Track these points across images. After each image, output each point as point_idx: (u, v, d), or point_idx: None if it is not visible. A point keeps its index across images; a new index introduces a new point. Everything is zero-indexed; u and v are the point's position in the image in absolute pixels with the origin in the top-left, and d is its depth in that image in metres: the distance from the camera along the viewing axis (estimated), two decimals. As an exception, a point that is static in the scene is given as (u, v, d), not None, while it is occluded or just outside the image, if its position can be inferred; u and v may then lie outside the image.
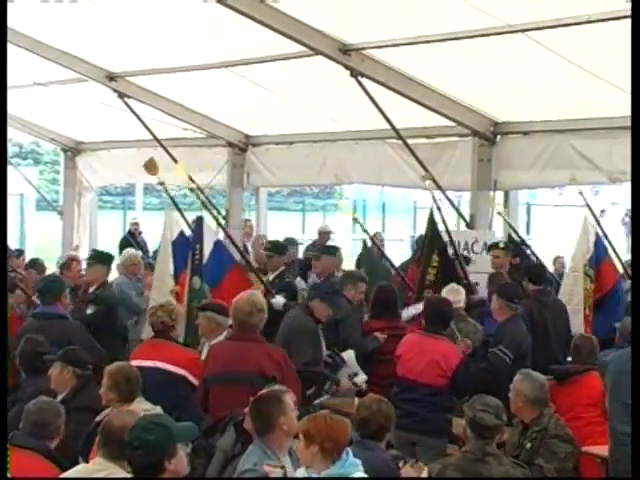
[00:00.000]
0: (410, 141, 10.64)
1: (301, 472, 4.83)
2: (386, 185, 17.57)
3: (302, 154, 12.73)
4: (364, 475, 4.73)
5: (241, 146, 13.45)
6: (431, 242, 9.81)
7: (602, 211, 27.25)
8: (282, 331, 8.03)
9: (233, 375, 6.44)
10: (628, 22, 6.70)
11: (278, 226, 19.43)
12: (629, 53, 5.72)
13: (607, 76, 8.60)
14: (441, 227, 9.83)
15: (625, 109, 8.56)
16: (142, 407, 5.63)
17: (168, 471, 4.16)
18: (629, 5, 6.57)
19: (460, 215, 11.41)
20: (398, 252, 18.45)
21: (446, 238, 9.81)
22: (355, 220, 11.66)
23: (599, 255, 9.63)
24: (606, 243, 9.83)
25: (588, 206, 9.84)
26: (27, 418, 5.42)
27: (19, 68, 11.19)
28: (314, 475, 4.67)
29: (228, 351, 6.75)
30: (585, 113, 9.64)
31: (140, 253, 11.77)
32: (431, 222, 9.86)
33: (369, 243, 11.88)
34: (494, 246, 10.07)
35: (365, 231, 11.59)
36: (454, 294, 8.46)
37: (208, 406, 6.71)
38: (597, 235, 9.70)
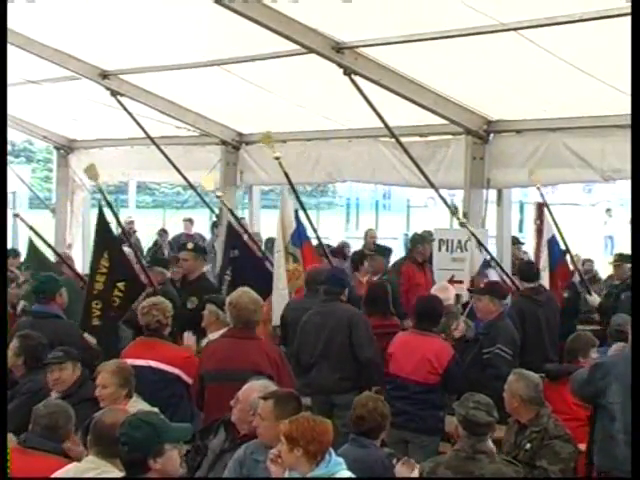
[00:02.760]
0: (403, 139, 10.64)
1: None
2: (379, 183, 17.60)
3: (295, 152, 12.71)
4: (349, 473, 4.72)
5: (234, 144, 13.43)
6: (99, 246, 9.09)
7: (608, 210, 27.11)
8: (343, 322, 7.96)
9: (229, 373, 6.44)
10: (622, 20, 6.73)
11: (271, 224, 19.40)
12: (623, 51, 5.72)
13: (600, 74, 8.60)
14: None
15: (618, 107, 8.62)
16: (139, 407, 5.62)
17: (154, 470, 4.14)
18: (623, 3, 6.58)
19: (453, 213, 11.42)
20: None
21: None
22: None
23: (301, 236, 9.23)
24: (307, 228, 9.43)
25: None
26: (37, 421, 5.36)
27: (11, 66, 11.11)
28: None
29: (224, 349, 6.75)
30: (578, 111, 9.65)
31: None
32: (101, 222, 9.20)
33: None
34: (183, 247, 9.41)
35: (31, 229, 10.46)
36: (443, 291, 8.47)
37: (203, 404, 6.71)
38: (296, 212, 9.31)
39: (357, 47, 9.37)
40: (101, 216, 9.28)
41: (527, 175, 10.24)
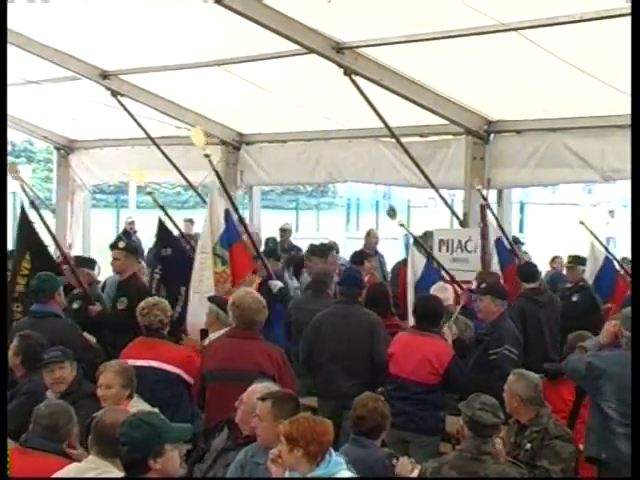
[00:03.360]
0: (404, 139, 10.65)
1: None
2: (379, 183, 17.59)
3: (296, 152, 12.73)
4: (349, 473, 4.72)
5: (235, 144, 13.44)
6: (21, 247, 8.91)
7: (611, 211, 27.05)
8: (363, 325, 7.94)
9: (231, 373, 6.43)
10: (622, 21, 6.73)
11: (272, 224, 19.41)
12: (623, 51, 5.72)
13: (600, 75, 8.61)
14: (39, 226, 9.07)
15: (618, 108, 8.63)
16: (140, 407, 5.61)
17: (154, 470, 4.15)
18: (623, 3, 6.59)
19: (453, 213, 11.43)
20: (392, 251, 18.43)
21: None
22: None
23: (230, 237, 8.97)
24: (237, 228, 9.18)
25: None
26: (38, 421, 5.35)
27: (12, 66, 11.13)
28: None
29: (227, 348, 6.73)
30: (578, 111, 9.66)
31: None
32: (23, 223, 9.00)
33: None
34: (114, 246, 9.19)
35: None
36: (442, 292, 8.46)
37: (205, 403, 6.71)
38: (226, 212, 9.12)
39: (357, 47, 9.37)
40: (24, 216, 9.13)
41: (528, 175, 10.27)
